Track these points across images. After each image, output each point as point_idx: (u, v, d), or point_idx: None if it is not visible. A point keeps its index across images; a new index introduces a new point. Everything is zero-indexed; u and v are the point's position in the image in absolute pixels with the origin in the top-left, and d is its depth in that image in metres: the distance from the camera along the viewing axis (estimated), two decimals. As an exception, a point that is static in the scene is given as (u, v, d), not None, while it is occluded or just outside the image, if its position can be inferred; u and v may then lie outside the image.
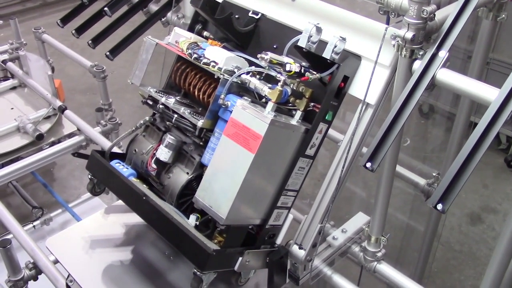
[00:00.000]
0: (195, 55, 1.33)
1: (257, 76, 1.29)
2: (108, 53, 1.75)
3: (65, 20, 1.92)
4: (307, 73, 1.23)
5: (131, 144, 1.48)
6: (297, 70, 1.22)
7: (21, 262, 1.66)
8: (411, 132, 3.51)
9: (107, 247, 1.52)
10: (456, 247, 2.98)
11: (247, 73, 1.28)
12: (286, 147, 1.23)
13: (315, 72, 1.24)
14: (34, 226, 2.62)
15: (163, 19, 1.90)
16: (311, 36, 1.27)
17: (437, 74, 1.11)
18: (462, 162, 0.97)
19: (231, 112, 1.21)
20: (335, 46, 1.27)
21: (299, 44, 1.27)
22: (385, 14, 1.19)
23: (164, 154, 1.35)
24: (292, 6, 1.44)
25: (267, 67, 1.25)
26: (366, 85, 1.26)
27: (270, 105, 1.20)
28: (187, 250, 1.21)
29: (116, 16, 1.89)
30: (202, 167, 1.33)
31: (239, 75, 1.27)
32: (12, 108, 2.61)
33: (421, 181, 1.82)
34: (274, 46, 1.44)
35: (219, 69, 1.29)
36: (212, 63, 1.30)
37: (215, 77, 1.29)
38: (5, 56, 2.75)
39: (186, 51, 1.35)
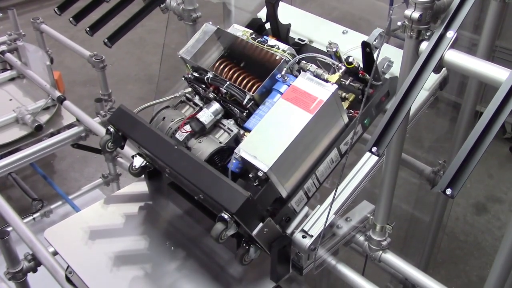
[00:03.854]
0: (258, 39, 1.45)
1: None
2: (106, 40, 1.71)
3: (62, 8, 1.87)
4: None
5: (161, 111, 1.48)
6: (357, 65, 1.34)
7: (21, 255, 1.64)
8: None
9: (107, 238, 1.50)
10: (461, 237, 2.95)
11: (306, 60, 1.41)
12: (331, 128, 1.31)
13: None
14: (34, 219, 2.59)
15: (162, 5, 1.86)
16: (375, 41, 1.34)
17: (445, 55, 1.07)
18: (472, 144, 0.93)
19: (288, 85, 1.32)
20: (384, 66, 1.39)
21: (367, 40, 1.32)
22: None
23: (206, 116, 1.38)
24: (341, 37, 1.55)
25: (332, 56, 1.36)
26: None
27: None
28: (221, 193, 1.20)
29: (114, 3, 1.84)
30: (236, 142, 1.35)
31: (301, 59, 1.40)
32: (10, 100, 2.59)
33: (427, 169, 1.79)
34: None
35: (283, 51, 1.40)
36: (276, 46, 1.42)
37: (277, 58, 1.38)
38: (4, 47, 2.73)
39: (250, 37, 1.47)
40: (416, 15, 1.07)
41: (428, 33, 1.10)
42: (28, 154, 2.18)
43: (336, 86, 1.26)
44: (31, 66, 2.63)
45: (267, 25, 1.60)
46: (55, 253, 1.54)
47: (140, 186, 1.66)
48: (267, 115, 1.28)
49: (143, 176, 1.65)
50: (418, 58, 1.10)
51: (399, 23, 1.14)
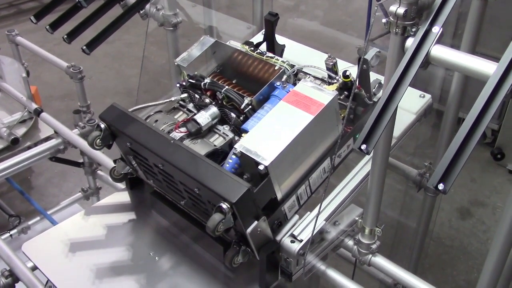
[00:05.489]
0: (257, 51, 1.50)
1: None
2: (84, 47, 1.67)
3: (38, 16, 1.83)
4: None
5: (154, 115, 1.47)
6: (353, 80, 1.37)
7: (-3, 272, 1.58)
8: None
9: (88, 250, 1.45)
10: (447, 242, 2.94)
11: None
12: (327, 136, 1.32)
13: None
14: (11, 235, 2.51)
15: (141, 12, 1.83)
16: (371, 60, 1.37)
17: (431, 50, 1.06)
18: (464, 136, 0.91)
19: (287, 92, 1.35)
20: (375, 87, 1.44)
21: (365, 57, 1.35)
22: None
23: (203, 118, 1.38)
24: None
25: (330, 68, 1.41)
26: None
27: None
28: (220, 184, 1.18)
29: (92, 10, 1.81)
30: (230, 148, 1.34)
31: (298, 70, 1.45)
32: (-15, 113, 2.51)
33: (413, 172, 1.78)
34: None
35: (283, 61, 1.45)
36: (275, 58, 1.47)
37: (276, 68, 1.43)
38: (-23, 61, 2.66)
39: (248, 49, 1.52)
40: (401, 10, 1.06)
41: (413, 29, 1.09)
42: (4, 168, 2.11)
43: (336, 92, 1.29)
44: (6, 79, 2.56)
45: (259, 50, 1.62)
46: (34, 268, 1.48)
47: (122, 196, 1.61)
48: (267, 115, 1.29)
49: (124, 186, 1.61)
50: (404, 55, 1.09)
51: (384, 20, 1.13)
